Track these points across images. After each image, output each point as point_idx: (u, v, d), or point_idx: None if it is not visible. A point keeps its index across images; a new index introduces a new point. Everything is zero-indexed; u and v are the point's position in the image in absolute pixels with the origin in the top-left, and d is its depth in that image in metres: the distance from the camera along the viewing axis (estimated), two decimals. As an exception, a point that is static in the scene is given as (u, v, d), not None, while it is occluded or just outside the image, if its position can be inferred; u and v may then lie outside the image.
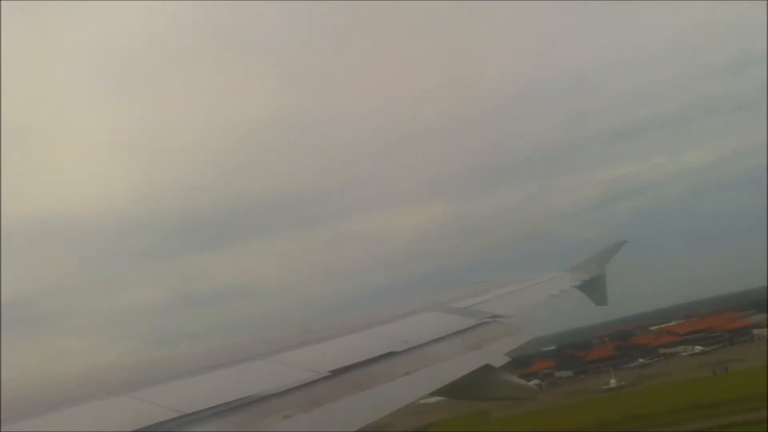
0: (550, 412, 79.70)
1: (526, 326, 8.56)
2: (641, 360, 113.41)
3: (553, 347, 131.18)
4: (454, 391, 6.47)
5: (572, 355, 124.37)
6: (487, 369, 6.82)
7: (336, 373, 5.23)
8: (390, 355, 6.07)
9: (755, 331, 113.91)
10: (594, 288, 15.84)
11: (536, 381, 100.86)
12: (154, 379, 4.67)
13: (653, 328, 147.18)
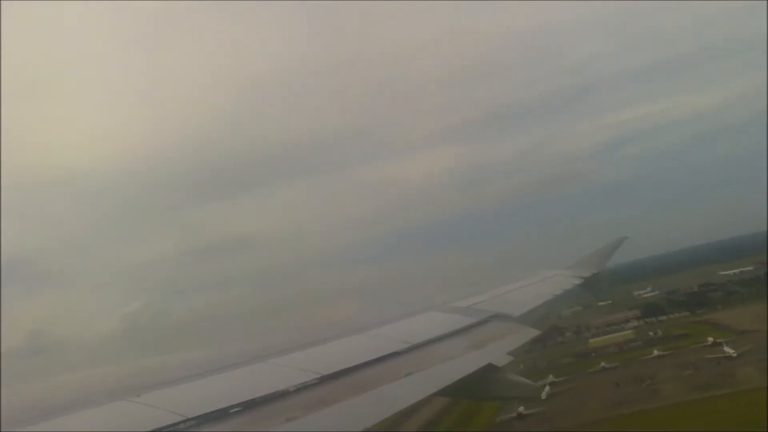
0: None
1: (527, 324, 8.56)
2: None
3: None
4: (457, 391, 6.45)
5: None
6: (490, 368, 6.81)
7: (338, 374, 5.22)
8: (393, 355, 6.07)
9: None
10: (595, 284, 15.83)
11: None
12: (156, 384, 4.67)
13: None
